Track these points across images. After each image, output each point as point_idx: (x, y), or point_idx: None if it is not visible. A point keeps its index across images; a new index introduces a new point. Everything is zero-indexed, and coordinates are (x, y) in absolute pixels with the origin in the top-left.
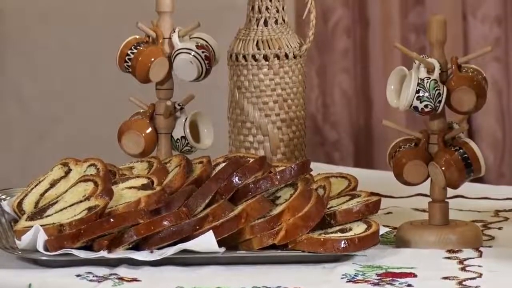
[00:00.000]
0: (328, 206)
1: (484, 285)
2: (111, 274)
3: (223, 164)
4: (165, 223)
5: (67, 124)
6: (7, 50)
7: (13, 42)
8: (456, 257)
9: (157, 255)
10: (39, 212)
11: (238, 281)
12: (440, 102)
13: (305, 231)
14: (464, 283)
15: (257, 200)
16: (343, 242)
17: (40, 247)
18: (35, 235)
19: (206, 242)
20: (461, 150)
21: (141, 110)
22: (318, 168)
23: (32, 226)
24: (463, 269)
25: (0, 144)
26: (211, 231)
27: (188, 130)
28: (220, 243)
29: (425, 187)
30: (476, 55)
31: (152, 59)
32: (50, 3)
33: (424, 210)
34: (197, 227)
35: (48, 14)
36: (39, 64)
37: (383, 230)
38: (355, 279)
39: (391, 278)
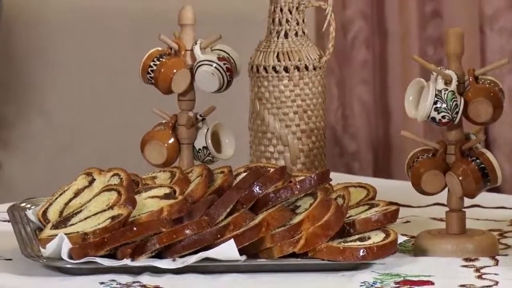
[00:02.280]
0: (347, 215)
1: None
2: (134, 282)
3: (244, 174)
4: (187, 231)
5: (91, 136)
6: (32, 65)
7: (38, 57)
8: (473, 265)
9: (179, 263)
10: (63, 221)
11: None
12: (457, 113)
13: (325, 240)
14: None
15: (277, 209)
16: (362, 250)
17: (64, 255)
18: (59, 244)
19: (227, 250)
20: (478, 160)
21: (164, 121)
22: (337, 178)
23: (56, 235)
24: (479, 277)
25: (25, 156)
26: (232, 239)
27: (209, 141)
28: (241, 252)
29: (442, 197)
30: (493, 67)
31: (175, 71)
32: (74, 17)
33: (441, 219)
34: (219, 236)
35: (72, 28)
36: (63, 78)
37: (401, 239)
38: (374, 287)
39: (409, 286)
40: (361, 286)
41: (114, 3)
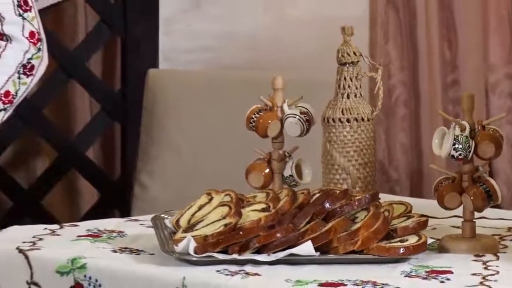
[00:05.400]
0: (391, 224)
1: (500, 279)
2: (240, 270)
3: (318, 194)
4: (278, 235)
5: (209, 167)
6: (167, 118)
7: (171, 111)
8: (481, 259)
9: (272, 257)
10: (190, 227)
11: (329, 276)
12: (469, 151)
13: (375, 241)
14: (486, 277)
15: (342, 219)
16: (401, 249)
17: (191, 251)
18: (187, 243)
19: (307, 248)
20: (484, 185)
21: (261, 157)
22: (384, 197)
23: (185, 237)
24: (485, 268)
25: (164, 181)
26: (310, 241)
27: (294, 171)
28: (316, 249)
29: (459, 211)
30: (495, 119)
31: (269, 121)
32: (197, 83)
33: (458, 227)
34: (300, 238)
35: (196, 91)
36: (189, 126)
37: (429, 241)
38: (410, 275)
39: (435, 274)
40: (401, 274)
41: (225, 75)
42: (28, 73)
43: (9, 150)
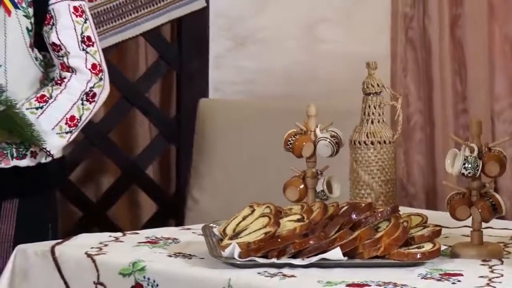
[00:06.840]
0: (410, 233)
1: (505, 281)
2: (278, 272)
3: (346, 207)
4: (311, 242)
5: (253, 182)
6: (215, 137)
7: (219, 135)
8: (487, 264)
9: (306, 261)
10: (235, 235)
11: (355, 277)
12: (478, 170)
13: (396, 248)
14: (492, 280)
15: (366, 228)
16: (418, 254)
17: (236, 256)
18: (233, 249)
19: (336, 254)
20: (490, 200)
21: (297, 174)
22: (403, 210)
23: (231, 243)
24: (492, 271)
25: (212, 195)
26: (338, 247)
27: (325, 186)
28: (344, 255)
29: (468, 222)
30: (499, 142)
31: (304, 143)
32: (240, 112)
33: (468, 236)
34: (330, 245)
35: (239, 118)
36: (235, 147)
37: (443, 248)
38: (426, 277)
39: (448, 276)
40: (418, 276)
41: (265, 104)
42: (90, 100)
43: (80, 168)
